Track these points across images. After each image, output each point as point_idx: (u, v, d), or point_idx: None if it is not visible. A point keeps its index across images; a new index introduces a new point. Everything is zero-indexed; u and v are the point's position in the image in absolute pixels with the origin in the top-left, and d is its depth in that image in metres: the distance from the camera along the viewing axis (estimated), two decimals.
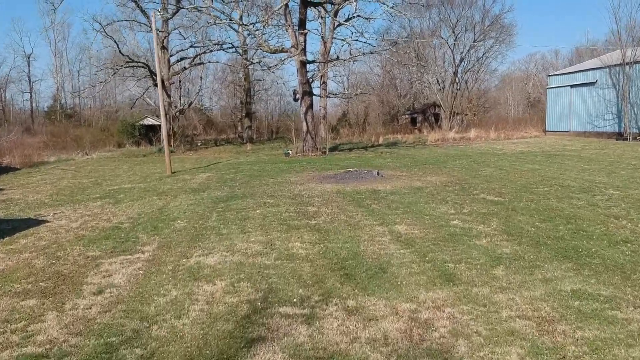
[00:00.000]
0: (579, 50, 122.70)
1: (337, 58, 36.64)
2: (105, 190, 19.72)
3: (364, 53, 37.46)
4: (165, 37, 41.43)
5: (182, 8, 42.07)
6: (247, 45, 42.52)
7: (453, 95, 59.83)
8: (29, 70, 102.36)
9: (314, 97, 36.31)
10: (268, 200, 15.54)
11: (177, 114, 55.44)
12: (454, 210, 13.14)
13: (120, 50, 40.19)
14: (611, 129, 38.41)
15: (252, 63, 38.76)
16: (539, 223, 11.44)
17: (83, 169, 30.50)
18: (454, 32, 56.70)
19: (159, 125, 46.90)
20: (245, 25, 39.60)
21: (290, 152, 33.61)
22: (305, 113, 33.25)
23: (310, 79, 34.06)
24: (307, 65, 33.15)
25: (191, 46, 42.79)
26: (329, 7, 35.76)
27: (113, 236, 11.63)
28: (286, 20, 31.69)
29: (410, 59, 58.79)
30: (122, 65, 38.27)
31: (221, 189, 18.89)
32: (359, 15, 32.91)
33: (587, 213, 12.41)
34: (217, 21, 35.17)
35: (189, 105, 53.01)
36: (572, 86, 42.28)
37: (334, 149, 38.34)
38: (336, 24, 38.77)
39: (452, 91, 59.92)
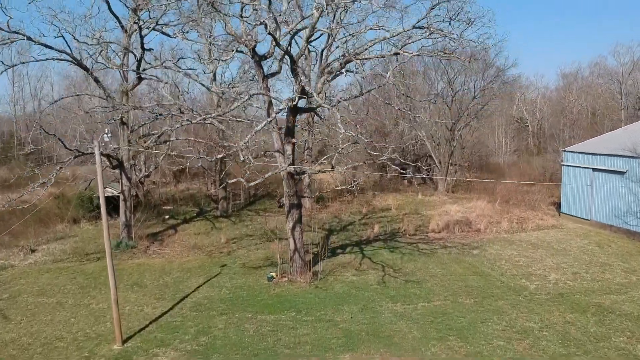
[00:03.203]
0: (564, 74, 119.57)
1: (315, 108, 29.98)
2: None
3: (354, 97, 30.99)
4: (126, 112, 35.10)
5: (145, 77, 35.87)
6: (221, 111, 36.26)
7: (449, 152, 54.48)
8: None
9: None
10: None
11: (143, 178, 49.09)
12: None
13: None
14: None
15: (225, 147, 32.57)
16: None
17: (11, 308, 24.05)
18: (451, 88, 51.35)
19: (118, 197, 40.45)
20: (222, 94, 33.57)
21: (274, 275, 27.63)
22: (293, 228, 27.40)
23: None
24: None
25: (156, 117, 36.47)
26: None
27: None
28: (268, 115, 25.73)
29: (402, 113, 53.31)
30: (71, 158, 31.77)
31: None
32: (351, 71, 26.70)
33: None
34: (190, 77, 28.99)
35: (156, 168, 46.67)
36: (594, 170, 37.08)
37: (321, 249, 32.41)
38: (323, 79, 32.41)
39: (448, 148, 54.58)
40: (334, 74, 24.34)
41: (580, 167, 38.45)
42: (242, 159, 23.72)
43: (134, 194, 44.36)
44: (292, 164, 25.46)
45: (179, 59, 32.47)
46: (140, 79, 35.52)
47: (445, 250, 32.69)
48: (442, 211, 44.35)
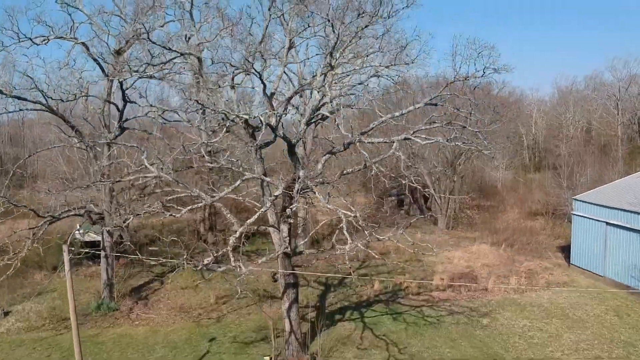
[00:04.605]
0: (559, 87, 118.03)
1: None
2: None
3: (358, 170, 28.59)
4: (109, 165, 32.49)
5: (127, 128, 33.27)
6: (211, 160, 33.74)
7: (450, 188, 52.18)
8: None
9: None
10: None
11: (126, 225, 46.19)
12: None
13: None
14: None
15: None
16: None
17: None
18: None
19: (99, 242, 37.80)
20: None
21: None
22: (289, 309, 25.00)
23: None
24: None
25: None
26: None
27: None
28: (263, 192, 23.26)
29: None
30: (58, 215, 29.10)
31: None
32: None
33: None
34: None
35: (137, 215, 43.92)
36: (608, 224, 34.87)
37: (317, 318, 29.92)
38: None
39: (448, 183, 52.30)
40: (335, 153, 21.95)
41: (592, 219, 36.24)
42: (237, 234, 21.45)
43: (119, 235, 41.70)
44: (289, 244, 22.96)
45: (163, 112, 29.78)
46: (122, 130, 32.87)
47: (452, 319, 30.34)
48: (444, 258, 42.06)
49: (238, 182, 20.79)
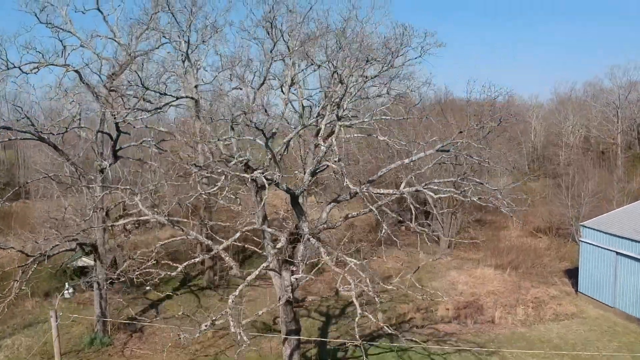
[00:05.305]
0: (558, 94, 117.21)
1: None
2: None
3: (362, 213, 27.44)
4: (102, 196, 31.24)
5: (121, 157, 32.03)
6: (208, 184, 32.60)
7: (453, 210, 50.99)
8: None
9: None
10: None
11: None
12: None
13: None
14: None
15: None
16: None
17: None
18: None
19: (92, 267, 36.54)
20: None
21: None
22: (290, 356, 23.80)
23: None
24: None
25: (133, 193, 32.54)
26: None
27: None
28: (263, 235, 22.09)
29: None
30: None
31: None
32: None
33: None
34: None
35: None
36: (618, 253, 33.83)
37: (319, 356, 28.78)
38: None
39: (452, 204, 51.10)
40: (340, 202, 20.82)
41: (601, 247, 35.18)
42: (234, 272, 20.29)
43: (112, 259, 40.47)
44: (292, 292, 21.78)
45: (160, 142, 28.57)
46: (116, 158, 31.63)
47: (459, 357, 29.22)
48: (448, 283, 41.00)
49: (237, 234, 19.62)
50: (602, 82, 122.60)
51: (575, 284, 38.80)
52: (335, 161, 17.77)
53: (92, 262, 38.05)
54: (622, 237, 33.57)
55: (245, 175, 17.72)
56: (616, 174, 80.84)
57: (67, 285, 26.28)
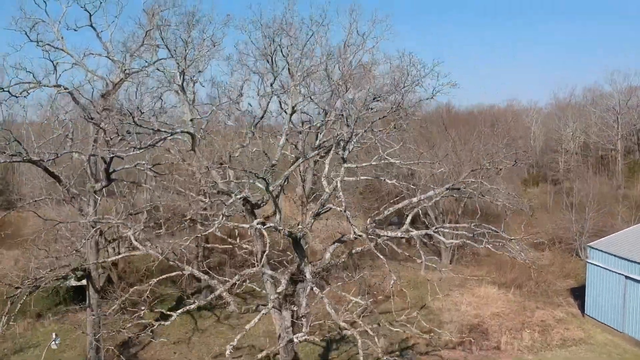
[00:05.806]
0: (558, 99, 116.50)
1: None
2: None
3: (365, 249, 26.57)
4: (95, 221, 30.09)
5: (115, 179, 30.97)
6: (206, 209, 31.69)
7: (454, 219, 50.13)
8: None
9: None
10: None
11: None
12: None
13: None
14: None
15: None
16: None
17: None
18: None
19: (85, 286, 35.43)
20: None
21: None
22: None
23: None
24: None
25: (130, 213, 31.53)
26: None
27: None
28: (262, 273, 21.06)
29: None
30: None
31: None
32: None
33: None
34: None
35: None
36: (628, 277, 32.90)
37: None
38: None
39: (454, 217, 50.30)
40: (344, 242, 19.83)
41: (609, 270, 34.27)
42: (232, 309, 19.28)
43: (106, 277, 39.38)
44: (293, 332, 20.77)
45: (154, 165, 27.52)
46: (109, 180, 30.54)
47: None
48: (451, 303, 40.04)
49: (236, 277, 18.62)
50: (602, 87, 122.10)
51: (581, 305, 37.90)
52: (340, 209, 16.70)
53: (83, 283, 37.03)
54: (632, 261, 32.65)
55: (244, 225, 16.72)
56: (615, 180, 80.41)
57: (53, 336, 25.50)
